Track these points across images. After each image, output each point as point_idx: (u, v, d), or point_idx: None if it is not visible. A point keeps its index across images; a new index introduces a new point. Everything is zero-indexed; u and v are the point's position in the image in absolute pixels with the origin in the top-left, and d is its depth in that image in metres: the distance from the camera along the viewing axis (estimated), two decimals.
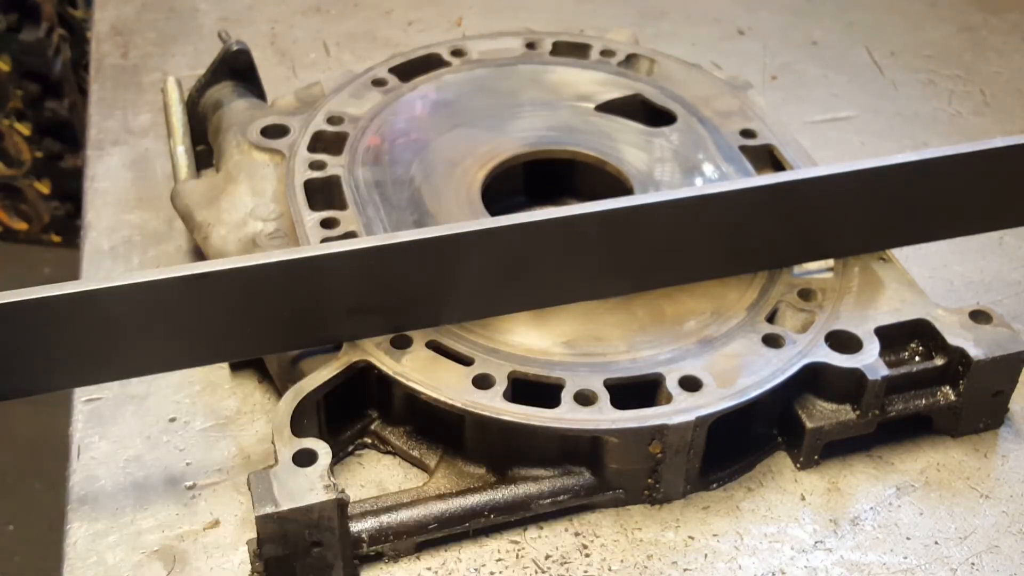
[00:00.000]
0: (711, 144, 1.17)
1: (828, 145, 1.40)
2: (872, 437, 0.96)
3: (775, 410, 0.96)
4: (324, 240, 1.01)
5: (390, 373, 0.90)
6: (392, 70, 1.27)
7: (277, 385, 0.99)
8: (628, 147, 1.17)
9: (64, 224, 3.02)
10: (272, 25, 1.65)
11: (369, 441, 0.97)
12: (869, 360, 0.92)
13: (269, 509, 0.79)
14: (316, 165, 1.11)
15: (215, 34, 1.31)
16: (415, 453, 0.95)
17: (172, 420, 0.99)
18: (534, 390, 0.90)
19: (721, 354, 0.94)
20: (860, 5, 1.74)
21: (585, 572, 0.88)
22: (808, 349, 0.93)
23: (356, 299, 0.90)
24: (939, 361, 0.96)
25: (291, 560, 0.82)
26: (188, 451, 0.96)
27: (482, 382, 0.89)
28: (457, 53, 1.31)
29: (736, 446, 0.95)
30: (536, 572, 0.88)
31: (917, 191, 1.01)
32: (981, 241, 1.20)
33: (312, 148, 1.13)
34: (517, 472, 0.91)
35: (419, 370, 0.90)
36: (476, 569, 0.88)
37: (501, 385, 0.89)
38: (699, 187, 1.09)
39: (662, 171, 1.14)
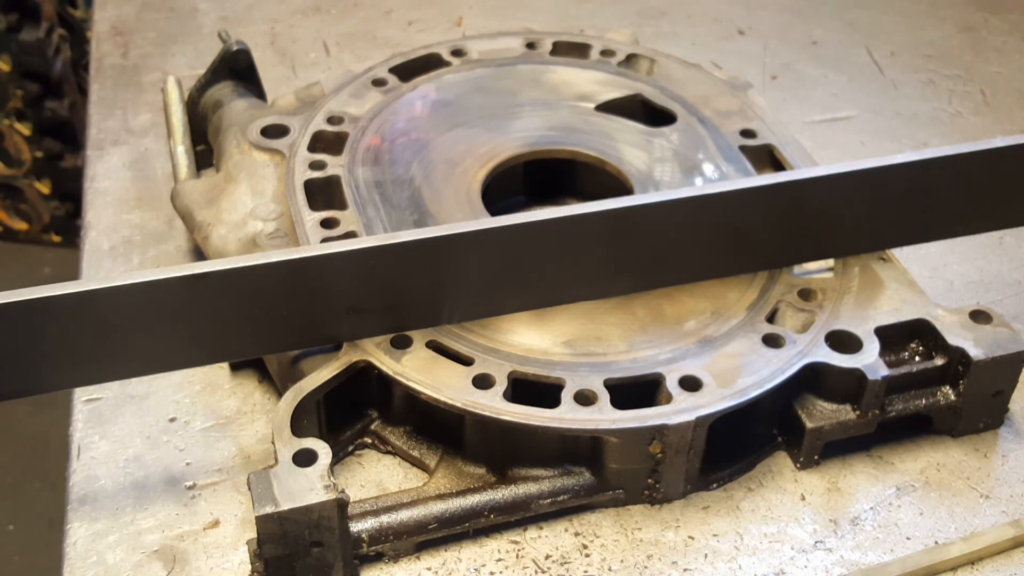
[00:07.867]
0: (711, 144, 1.17)
1: (828, 145, 1.40)
2: (872, 437, 0.96)
3: (775, 410, 0.96)
4: (324, 240, 1.01)
5: (390, 373, 0.90)
6: (392, 70, 1.27)
7: (277, 385, 0.99)
8: (628, 147, 1.17)
9: (64, 224, 3.02)
10: (272, 25, 1.65)
11: (369, 441, 0.97)
12: (869, 360, 0.92)
13: (269, 509, 0.79)
14: (316, 165, 1.11)
15: (215, 34, 1.31)
16: (415, 453, 0.95)
17: (172, 420, 0.99)
18: (534, 390, 0.90)
19: (721, 354, 0.94)
20: (860, 5, 1.74)
21: (585, 572, 0.88)
22: (808, 349, 0.93)
23: (356, 299, 0.90)
24: (939, 361, 0.96)
25: (291, 560, 0.82)
26: (188, 451, 0.96)
27: (482, 382, 0.89)
28: (457, 53, 1.30)
29: (736, 446, 0.95)
30: (536, 572, 0.88)
31: (917, 191, 1.01)
32: (981, 241, 1.20)
33: (312, 148, 1.13)
34: (517, 472, 0.91)
35: (419, 370, 0.90)
36: (476, 569, 0.88)
37: (501, 385, 0.89)
38: (699, 187, 1.09)
39: (662, 171, 1.14)
